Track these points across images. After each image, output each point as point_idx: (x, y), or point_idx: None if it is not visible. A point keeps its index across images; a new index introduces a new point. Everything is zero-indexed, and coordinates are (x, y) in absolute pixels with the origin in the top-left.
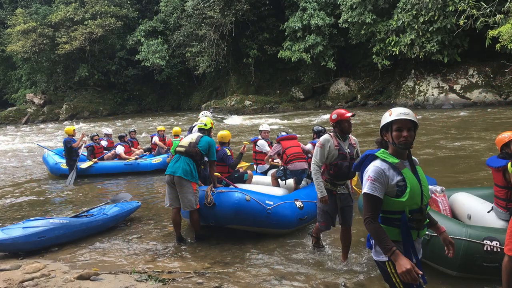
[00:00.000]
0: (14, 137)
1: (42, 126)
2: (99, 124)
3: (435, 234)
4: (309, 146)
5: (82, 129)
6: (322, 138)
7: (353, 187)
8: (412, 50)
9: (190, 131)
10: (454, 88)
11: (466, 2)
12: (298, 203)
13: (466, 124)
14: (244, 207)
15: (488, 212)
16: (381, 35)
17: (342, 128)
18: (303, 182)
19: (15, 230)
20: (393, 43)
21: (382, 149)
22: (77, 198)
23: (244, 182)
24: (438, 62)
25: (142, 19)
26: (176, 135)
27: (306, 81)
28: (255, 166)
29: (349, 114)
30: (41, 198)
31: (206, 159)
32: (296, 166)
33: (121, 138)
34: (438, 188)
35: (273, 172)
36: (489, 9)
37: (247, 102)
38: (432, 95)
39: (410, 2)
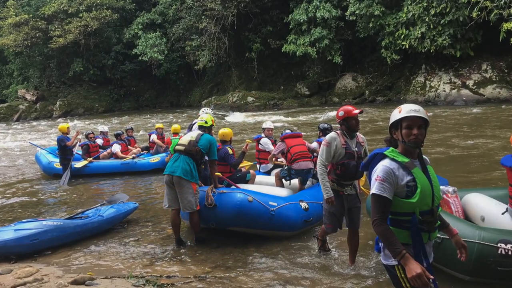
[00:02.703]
0: (5, 135)
1: (34, 123)
2: (94, 121)
3: (447, 237)
4: (314, 145)
5: (76, 127)
6: (328, 136)
7: (361, 187)
8: (422, 44)
9: (190, 128)
10: (467, 83)
11: None
12: (303, 204)
13: (480, 122)
14: (246, 209)
15: (503, 213)
16: (390, 28)
17: (349, 125)
18: (308, 183)
19: (6, 233)
20: (402, 36)
21: (392, 148)
22: (71, 199)
23: (246, 182)
24: (450, 57)
25: (139, 11)
26: (175, 133)
27: (312, 77)
28: (258, 166)
29: (356, 111)
30: (34, 199)
31: (206, 158)
32: (301, 165)
33: (117, 136)
34: (450, 189)
35: (277, 172)
36: (503, 0)
37: (250, 99)
38: (444, 91)
39: None
